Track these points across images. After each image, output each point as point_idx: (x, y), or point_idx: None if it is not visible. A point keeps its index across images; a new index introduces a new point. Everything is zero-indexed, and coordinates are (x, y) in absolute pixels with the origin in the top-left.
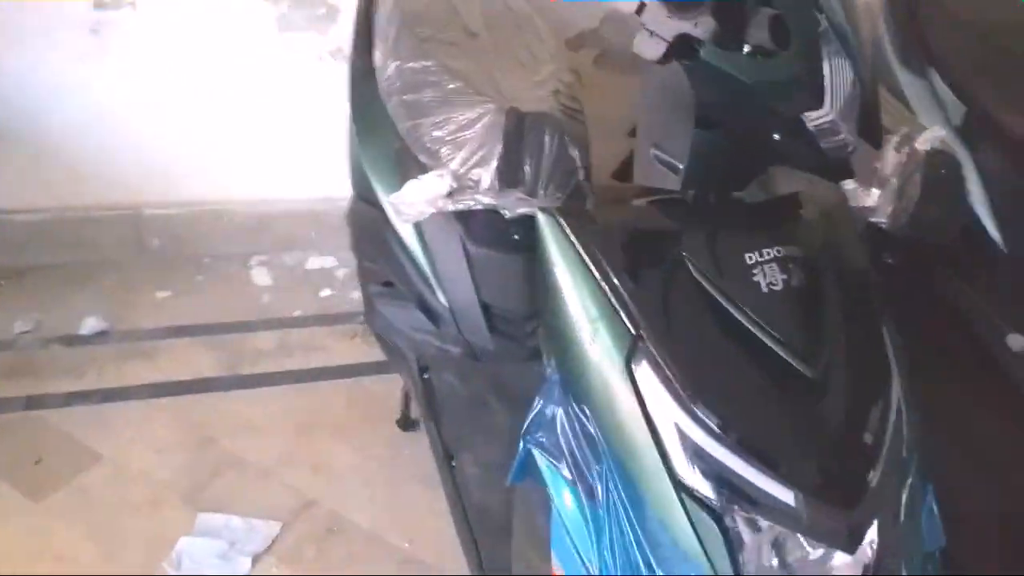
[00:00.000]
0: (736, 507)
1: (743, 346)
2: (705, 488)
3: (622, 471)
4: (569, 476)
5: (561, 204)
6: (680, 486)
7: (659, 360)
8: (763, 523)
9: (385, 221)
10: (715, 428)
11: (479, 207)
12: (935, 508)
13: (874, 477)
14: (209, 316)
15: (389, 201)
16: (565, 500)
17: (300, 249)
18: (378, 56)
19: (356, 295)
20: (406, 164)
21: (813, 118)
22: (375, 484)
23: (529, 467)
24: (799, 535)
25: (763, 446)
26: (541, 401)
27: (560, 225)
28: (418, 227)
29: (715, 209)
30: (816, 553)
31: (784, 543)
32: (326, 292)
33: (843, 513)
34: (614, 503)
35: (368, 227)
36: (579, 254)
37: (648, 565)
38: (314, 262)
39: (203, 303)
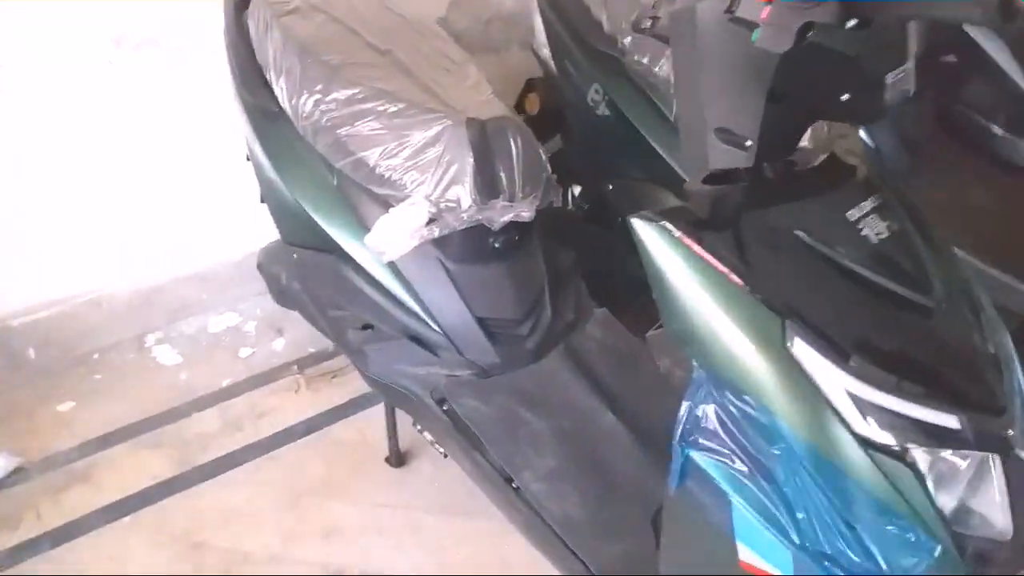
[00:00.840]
0: (914, 446)
1: (872, 297)
2: (887, 438)
3: (803, 445)
4: (744, 467)
5: (656, 209)
6: (864, 442)
7: (812, 334)
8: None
9: (346, 264)
10: (880, 380)
11: (463, 227)
12: None
13: (1006, 380)
14: (130, 414)
15: (365, 242)
16: (745, 490)
17: (195, 315)
18: (282, 93)
19: (279, 346)
20: (359, 201)
21: (897, 72)
22: (396, 531)
23: (688, 471)
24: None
25: (921, 382)
26: (690, 403)
27: (667, 230)
28: (391, 261)
29: (785, 179)
30: (968, 463)
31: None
32: (246, 351)
33: (998, 422)
34: (802, 478)
35: (323, 275)
36: (696, 254)
37: (849, 527)
38: (216, 323)
39: (115, 403)
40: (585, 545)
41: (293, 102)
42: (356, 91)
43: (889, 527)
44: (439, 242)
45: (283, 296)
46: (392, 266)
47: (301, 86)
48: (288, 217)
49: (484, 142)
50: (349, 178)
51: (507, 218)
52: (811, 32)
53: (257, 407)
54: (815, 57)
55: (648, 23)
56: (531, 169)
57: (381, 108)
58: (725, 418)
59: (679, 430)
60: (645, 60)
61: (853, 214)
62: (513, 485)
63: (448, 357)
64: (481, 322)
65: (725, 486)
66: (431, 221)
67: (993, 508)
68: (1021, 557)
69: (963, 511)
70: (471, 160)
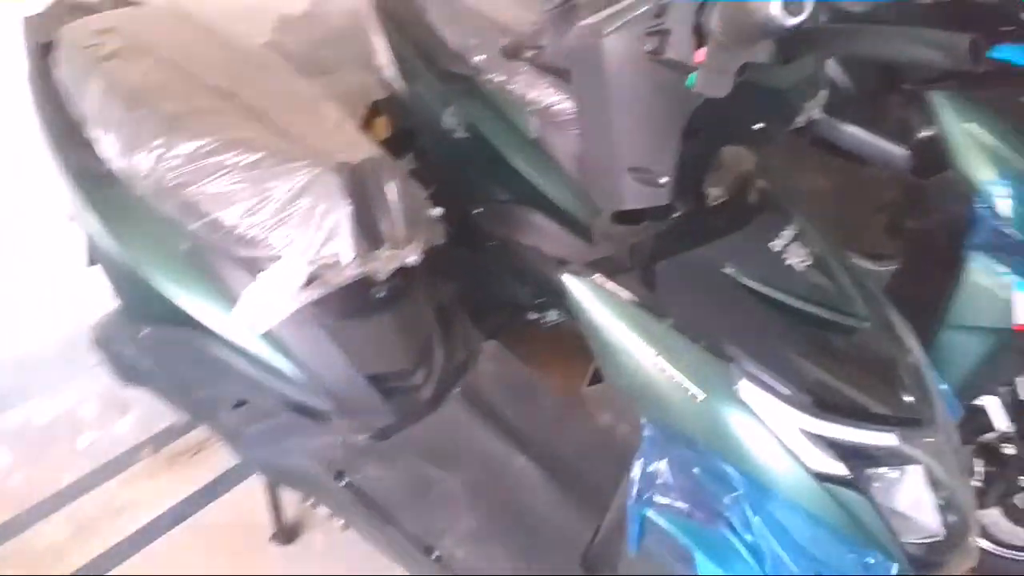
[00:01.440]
0: (864, 472)
1: (806, 326)
2: (840, 468)
3: (761, 488)
4: (702, 516)
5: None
6: (820, 477)
7: (758, 374)
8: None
9: (209, 337)
10: (828, 413)
11: (344, 283)
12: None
13: (926, 387)
14: None
15: (233, 315)
16: (708, 542)
17: (13, 407)
18: (112, 151)
19: (125, 426)
20: (219, 267)
21: (816, 100)
22: None
23: (647, 531)
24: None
25: (862, 407)
26: (642, 460)
27: (599, 285)
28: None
29: (701, 213)
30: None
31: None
32: (86, 439)
33: (927, 431)
34: (764, 521)
35: (181, 352)
36: (632, 306)
37: (814, 561)
38: (43, 413)
39: None
40: None
41: (127, 161)
42: (203, 143)
43: (850, 554)
44: (315, 302)
45: (130, 374)
46: (265, 335)
47: (135, 142)
48: (132, 290)
49: (359, 188)
50: (204, 242)
51: (393, 267)
52: (745, 72)
53: (112, 502)
54: (740, 91)
55: (529, 53)
56: (413, 210)
57: (235, 160)
58: (680, 471)
59: (633, 491)
60: (500, 79)
61: (775, 244)
62: (435, 555)
63: (340, 424)
64: (371, 379)
65: (686, 540)
66: (309, 281)
67: (924, 511)
68: (954, 550)
69: (899, 519)
70: (348, 209)
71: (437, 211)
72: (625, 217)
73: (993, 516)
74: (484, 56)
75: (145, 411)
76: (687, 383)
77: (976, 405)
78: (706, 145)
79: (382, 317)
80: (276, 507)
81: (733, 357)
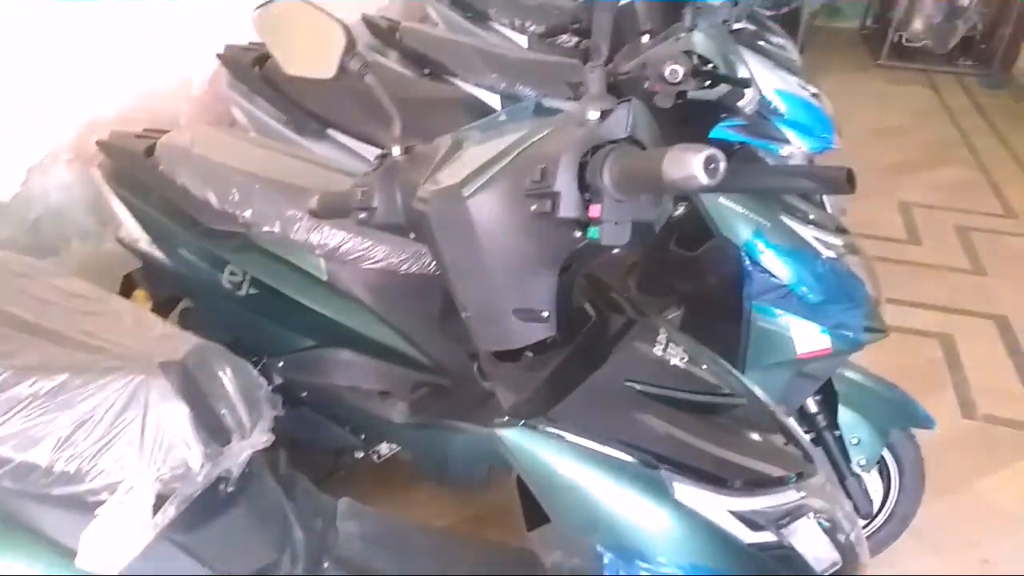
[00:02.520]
0: (786, 529)
1: (706, 415)
2: (770, 535)
3: None
4: None
5: (511, 415)
6: (757, 548)
7: (685, 473)
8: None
9: None
10: (746, 490)
11: (200, 491)
12: None
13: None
14: None
15: (77, 565)
16: None
17: None
18: None
19: None
20: (39, 517)
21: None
22: None
23: None
24: None
25: (770, 474)
26: None
27: (532, 428)
28: None
29: (583, 337)
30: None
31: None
32: None
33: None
34: None
35: None
36: (565, 440)
37: None
38: None
39: None
40: None
41: None
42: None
43: None
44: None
45: None
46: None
47: None
48: None
49: (191, 384)
50: (13, 491)
51: (245, 457)
52: None
53: None
54: None
55: (363, 214)
56: (250, 392)
57: (33, 389)
58: None
59: None
60: (276, 228)
61: (657, 350)
62: None
63: None
64: None
65: None
66: (159, 502)
67: (822, 547)
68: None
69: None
70: (186, 412)
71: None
72: (507, 354)
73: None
74: (252, 210)
75: None
76: (632, 500)
77: None
78: (574, 275)
79: (236, 512)
80: None
81: (660, 464)
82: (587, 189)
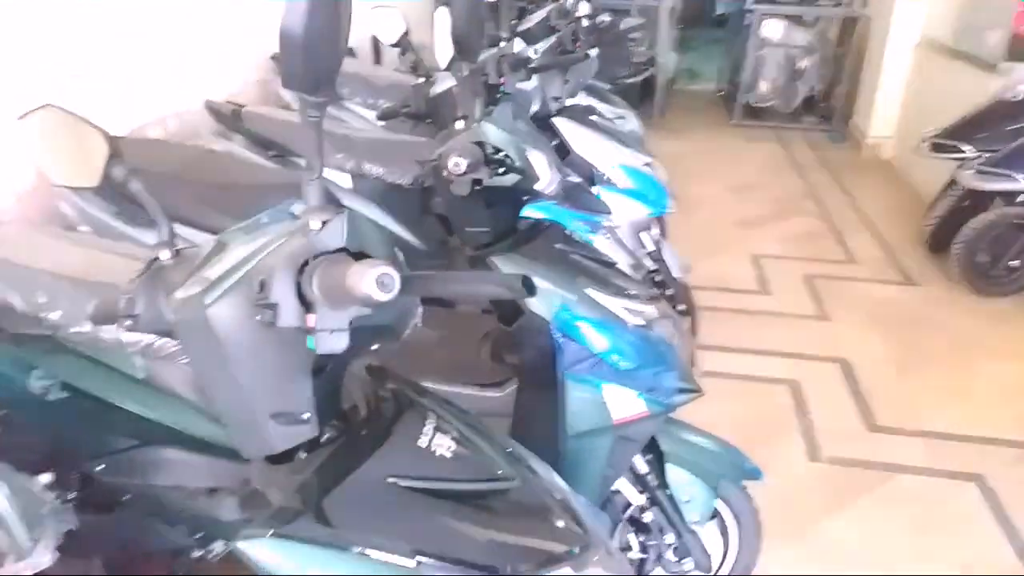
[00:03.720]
0: None
1: (472, 501)
2: None
3: None
4: None
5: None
6: None
7: (441, 566)
8: None
9: None
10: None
11: None
12: None
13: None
14: None
15: None
16: None
17: None
18: None
19: None
20: None
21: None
22: None
23: None
24: None
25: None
26: None
27: (285, 539)
28: None
29: (350, 434)
30: None
31: None
32: None
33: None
34: None
35: None
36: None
37: None
38: None
39: None
40: None
41: None
42: None
43: None
44: None
45: None
46: None
47: None
48: None
49: None
50: None
51: None
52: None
53: None
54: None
55: (128, 322)
56: (31, 509)
57: None
58: None
59: None
60: (86, 329)
61: (423, 441)
62: None
63: None
64: None
65: None
66: None
67: None
68: None
69: None
70: None
71: (44, 478)
72: (278, 457)
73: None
74: (60, 311)
75: None
76: None
77: (615, 490)
78: (333, 374)
79: None
80: None
81: (419, 560)
82: (305, 301)
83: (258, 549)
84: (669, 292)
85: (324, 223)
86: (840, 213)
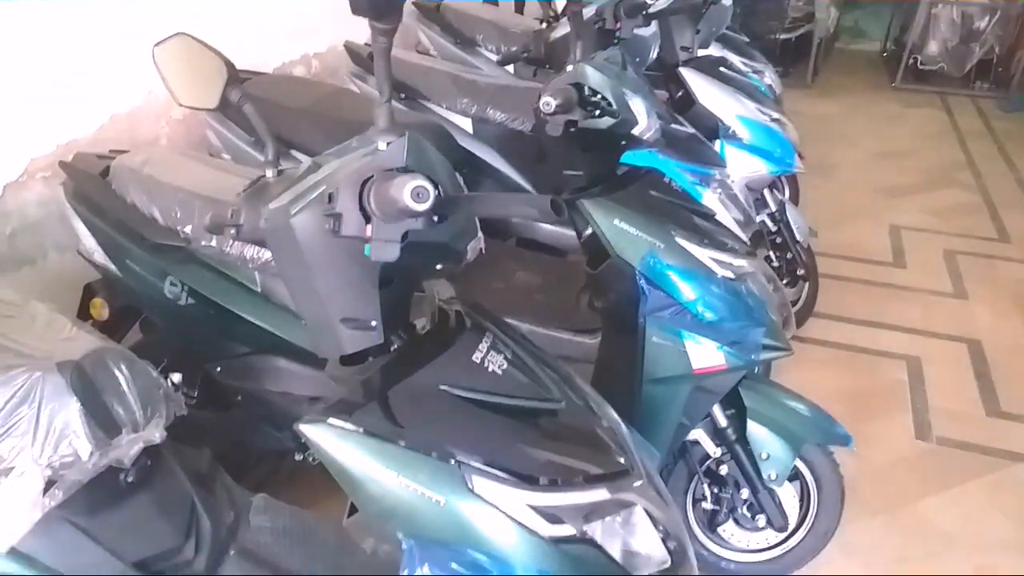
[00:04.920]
0: (592, 524)
1: (517, 416)
2: (568, 529)
3: (509, 567)
4: None
5: (320, 413)
6: (554, 541)
7: (483, 469)
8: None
9: None
10: (548, 486)
11: (89, 477)
12: None
13: (623, 441)
14: None
15: None
16: None
17: None
18: None
19: None
20: None
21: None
22: None
23: None
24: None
25: (573, 474)
26: (406, 572)
27: (335, 426)
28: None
29: (414, 344)
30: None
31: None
32: None
33: (630, 478)
34: None
35: None
36: (372, 437)
37: None
38: None
39: None
40: None
41: None
42: None
43: None
44: (60, 504)
45: None
46: (10, 552)
47: None
48: None
49: (86, 382)
50: None
51: (136, 450)
52: (408, 237)
53: None
54: (412, 248)
55: (233, 231)
56: (146, 391)
57: None
58: (441, 572)
59: None
60: (213, 243)
61: (477, 356)
62: None
63: None
64: (138, 566)
65: None
66: (49, 486)
67: (651, 545)
68: (681, 569)
69: (629, 555)
70: (76, 406)
71: (176, 377)
72: (351, 359)
73: (729, 529)
74: (192, 225)
75: None
76: (429, 492)
77: (691, 440)
78: (401, 289)
79: (136, 500)
80: None
81: (461, 460)
82: (365, 213)
83: (315, 431)
84: (788, 256)
85: (389, 144)
86: (999, 188)
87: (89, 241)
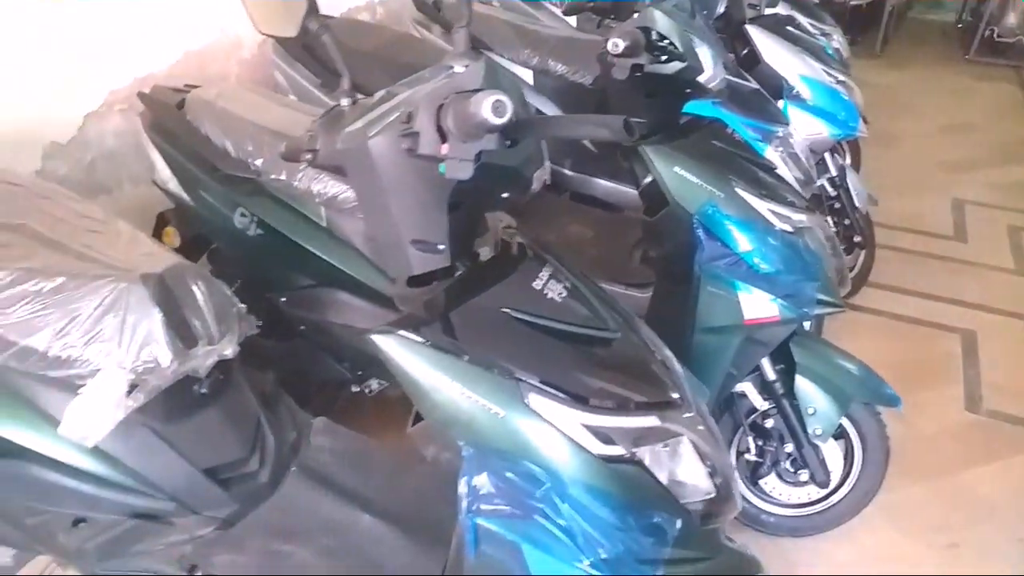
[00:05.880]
0: (642, 448)
1: (572, 343)
2: (618, 450)
3: (562, 479)
4: (522, 513)
5: (390, 326)
6: (605, 459)
7: (542, 387)
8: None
9: (33, 463)
10: (602, 409)
11: (168, 384)
12: None
13: (676, 376)
14: None
15: (60, 432)
16: (530, 533)
17: None
18: None
19: None
20: (33, 392)
21: (541, 171)
22: None
23: (480, 537)
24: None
25: (630, 398)
26: (466, 478)
27: (405, 337)
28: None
29: (477, 269)
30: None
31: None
32: None
33: (681, 410)
34: (571, 506)
35: (5, 483)
36: (438, 350)
37: (618, 529)
38: None
39: None
40: None
41: None
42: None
43: (641, 518)
44: (140, 408)
45: None
46: (94, 450)
47: None
48: None
49: (167, 294)
50: (14, 370)
51: (211, 361)
52: (481, 158)
53: None
54: (483, 171)
55: (308, 155)
56: (221, 308)
57: (36, 288)
58: (498, 480)
59: (463, 505)
60: (283, 177)
61: (537, 284)
62: None
63: (184, 522)
64: (208, 473)
65: (513, 537)
66: (131, 389)
67: (696, 476)
68: (725, 503)
69: (675, 484)
70: (159, 316)
71: (242, 307)
72: (417, 281)
73: (771, 482)
74: (263, 159)
75: None
76: (489, 404)
77: (738, 392)
78: (469, 214)
79: (208, 411)
80: None
81: (521, 377)
82: (442, 131)
83: (386, 341)
84: (846, 222)
85: (466, 66)
86: None
87: (164, 171)
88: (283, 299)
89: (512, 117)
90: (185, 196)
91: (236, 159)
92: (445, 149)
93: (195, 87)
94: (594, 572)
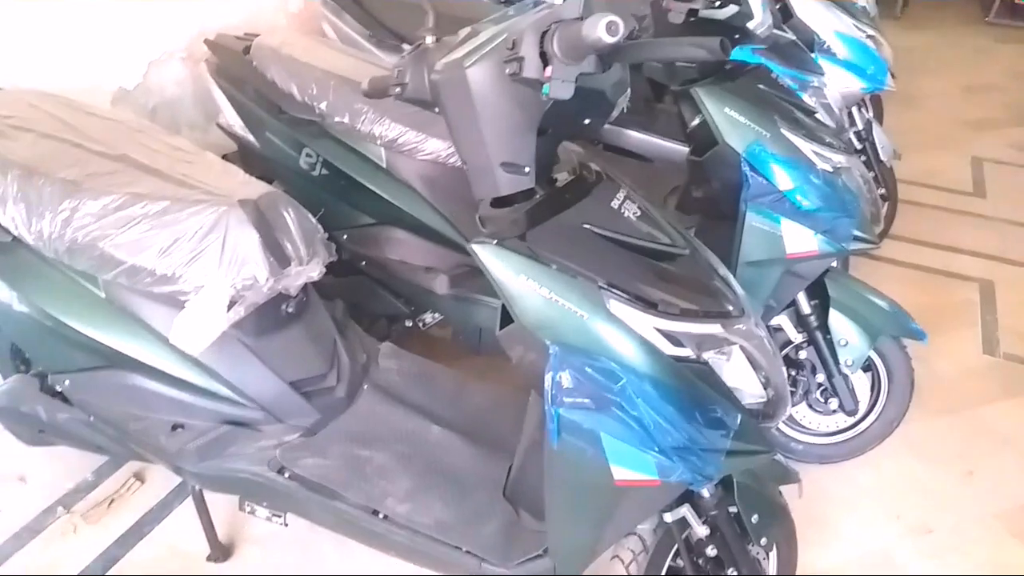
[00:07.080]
0: (705, 352)
1: (647, 257)
2: (688, 352)
3: (637, 376)
4: (600, 405)
5: (487, 237)
6: (676, 359)
7: (622, 294)
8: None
9: (137, 372)
10: (673, 315)
11: (263, 300)
12: None
13: (738, 291)
14: None
15: (171, 340)
16: (607, 424)
17: None
18: (12, 220)
19: (26, 494)
20: (140, 307)
21: (625, 97)
22: None
23: (562, 426)
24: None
25: (696, 307)
26: (552, 374)
27: (502, 247)
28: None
29: (557, 191)
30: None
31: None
32: None
33: (741, 320)
34: (645, 400)
35: (110, 391)
36: (530, 259)
37: (683, 419)
38: None
39: None
40: (465, 537)
41: (33, 227)
42: (109, 201)
43: (706, 411)
44: (235, 323)
45: (43, 434)
46: (193, 361)
47: (39, 209)
48: (50, 346)
49: (262, 218)
50: (123, 287)
51: (301, 281)
52: (579, 79)
53: (33, 566)
54: (577, 92)
55: (397, 90)
56: (308, 233)
57: (143, 211)
58: (579, 376)
59: (548, 397)
60: (345, 119)
61: (615, 204)
62: (381, 516)
63: (271, 429)
64: (293, 385)
65: (592, 426)
66: (233, 304)
67: (750, 383)
68: (777, 407)
69: (736, 391)
70: (256, 238)
71: (324, 234)
72: (500, 202)
73: (802, 411)
74: (327, 102)
75: (47, 476)
76: (574, 307)
77: (775, 327)
78: (552, 140)
79: (293, 329)
80: (209, 528)
81: (602, 284)
82: (545, 56)
83: (483, 250)
84: (872, 175)
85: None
86: None
87: (231, 114)
88: (344, 236)
89: (624, 35)
90: (251, 138)
91: (301, 102)
92: (549, 71)
93: (253, 35)
94: (663, 458)
